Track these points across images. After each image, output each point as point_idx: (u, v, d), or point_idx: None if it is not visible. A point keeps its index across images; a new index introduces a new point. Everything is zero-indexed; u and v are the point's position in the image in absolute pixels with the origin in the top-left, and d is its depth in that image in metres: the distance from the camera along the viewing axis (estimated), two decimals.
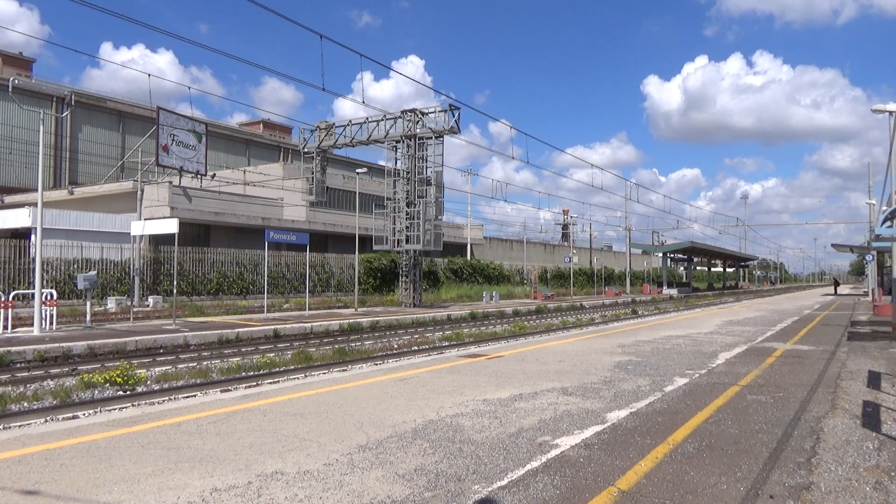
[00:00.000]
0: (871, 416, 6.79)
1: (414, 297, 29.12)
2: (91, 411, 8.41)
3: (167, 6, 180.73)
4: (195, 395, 9.37)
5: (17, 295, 19.17)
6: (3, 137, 40.60)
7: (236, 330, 17.02)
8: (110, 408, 8.59)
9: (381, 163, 40.09)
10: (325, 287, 35.42)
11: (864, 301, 40.72)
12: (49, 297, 17.25)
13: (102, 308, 23.66)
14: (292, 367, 12.20)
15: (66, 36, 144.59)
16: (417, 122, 28.06)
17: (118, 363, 11.56)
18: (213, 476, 4.52)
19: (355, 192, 31.43)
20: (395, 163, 29.24)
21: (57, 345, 13.38)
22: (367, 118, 29.71)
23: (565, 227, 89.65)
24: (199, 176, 33.63)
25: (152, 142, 31.96)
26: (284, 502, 4.06)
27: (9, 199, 37.76)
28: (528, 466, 4.83)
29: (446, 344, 16.54)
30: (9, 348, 12.62)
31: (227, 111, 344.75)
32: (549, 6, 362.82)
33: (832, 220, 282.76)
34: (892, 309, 18.44)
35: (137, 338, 14.87)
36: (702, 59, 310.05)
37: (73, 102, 39.22)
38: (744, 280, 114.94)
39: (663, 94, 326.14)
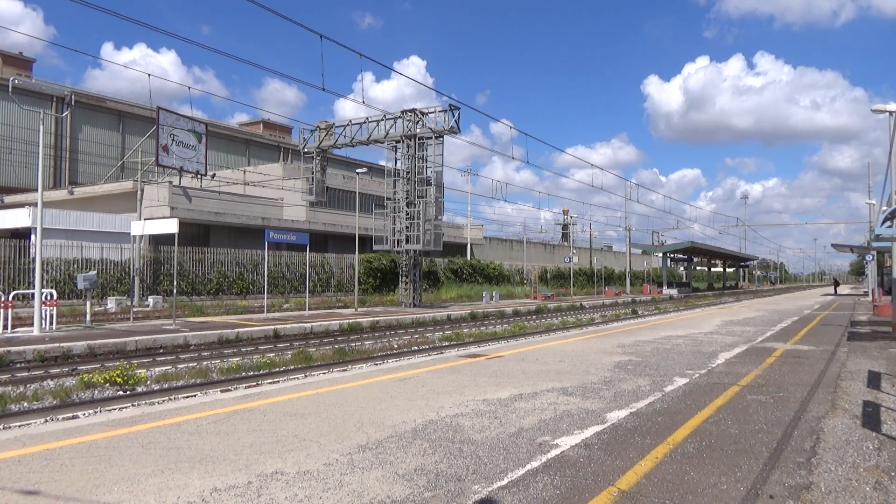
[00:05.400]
0: (871, 416, 6.79)
1: (414, 297, 29.12)
2: (91, 411, 8.41)
3: (169, 6, 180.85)
4: (195, 395, 9.37)
5: (17, 295, 19.17)
6: (3, 137, 40.60)
7: (236, 330, 17.02)
8: (110, 408, 8.59)
9: (381, 163, 40.15)
10: (325, 287, 35.42)
11: (864, 301, 40.71)
12: (49, 297, 17.24)
13: (102, 308, 23.65)
14: (292, 367, 12.20)
15: (68, 36, 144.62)
16: (417, 122, 28.06)
17: (118, 363, 11.56)
18: (213, 476, 4.52)
19: (355, 192, 31.44)
20: (395, 163, 29.24)
21: (57, 345, 13.38)
22: (367, 118, 29.71)
23: (565, 227, 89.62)
24: (199, 176, 33.64)
25: (152, 142, 31.97)
26: (284, 502, 4.06)
27: (9, 199, 37.76)
28: (528, 466, 4.83)
29: (446, 344, 16.54)
30: (9, 348, 12.62)
31: (229, 111, 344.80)
32: (550, 7, 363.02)
33: (832, 220, 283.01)
34: (892, 309, 18.44)
35: (137, 338, 14.87)
36: (703, 60, 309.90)
37: (72, 102, 39.25)
38: (744, 280, 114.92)
39: (664, 94, 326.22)
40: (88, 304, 18.26)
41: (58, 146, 43.26)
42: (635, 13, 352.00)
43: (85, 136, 45.60)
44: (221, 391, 9.49)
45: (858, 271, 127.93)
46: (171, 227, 18.86)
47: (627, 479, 4.59)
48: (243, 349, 15.27)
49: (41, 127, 16.96)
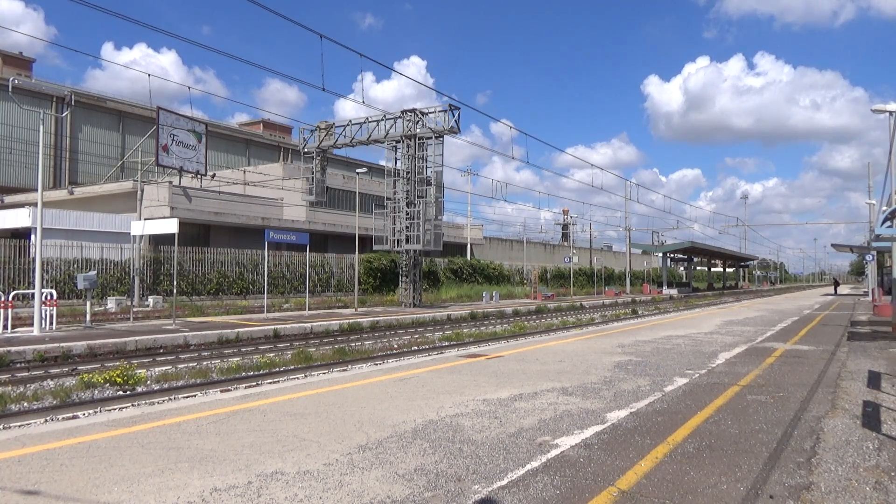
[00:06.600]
0: (871, 416, 6.79)
1: (414, 297, 29.12)
2: (91, 411, 8.41)
3: (169, 6, 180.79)
4: (195, 395, 9.37)
5: (17, 295, 19.16)
6: (3, 137, 40.60)
7: (236, 330, 17.02)
8: (110, 408, 8.59)
9: (381, 163, 40.14)
10: (325, 287, 35.42)
11: (864, 301, 40.71)
12: (49, 297, 17.24)
13: (102, 308, 23.65)
14: (292, 367, 12.20)
15: (69, 36, 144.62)
16: (417, 122, 28.06)
17: (118, 363, 11.56)
18: (213, 476, 4.53)
19: (355, 192, 31.43)
20: (395, 163, 29.24)
21: (57, 345, 13.38)
22: (367, 118, 29.71)
23: (565, 227, 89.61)
24: (199, 176, 33.62)
25: (152, 142, 31.96)
26: (284, 502, 4.06)
27: (9, 199, 37.76)
28: (528, 466, 4.83)
29: (446, 344, 16.54)
30: (9, 348, 12.62)
31: (229, 111, 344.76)
32: (550, 7, 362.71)
33: (832, 220, 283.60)
34: (892, 309, 18.44)
35: (137, 338, 14.87)
36: (703, 60, 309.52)
37: (72, 102, 39.09)
38: (744, 280, 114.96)
39: (664, 94, 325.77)
40: (88, 304, 18.26)
41: (58, 146, 43.25)
42: (635, 13, 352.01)
43: (85, 136, 45.60)
44: (221, 391, 9.49)
45: (858, 271, 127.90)
46: (171, 227, 18.86)
47: (627, 478, 4.59)
48: (243, 349, 15.27)
49: (41, 127, 16.95)
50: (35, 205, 18.68)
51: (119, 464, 4.78)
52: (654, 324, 20.44)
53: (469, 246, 52.23)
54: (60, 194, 36.17)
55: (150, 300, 25.49)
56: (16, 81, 24.70)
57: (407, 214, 28.08)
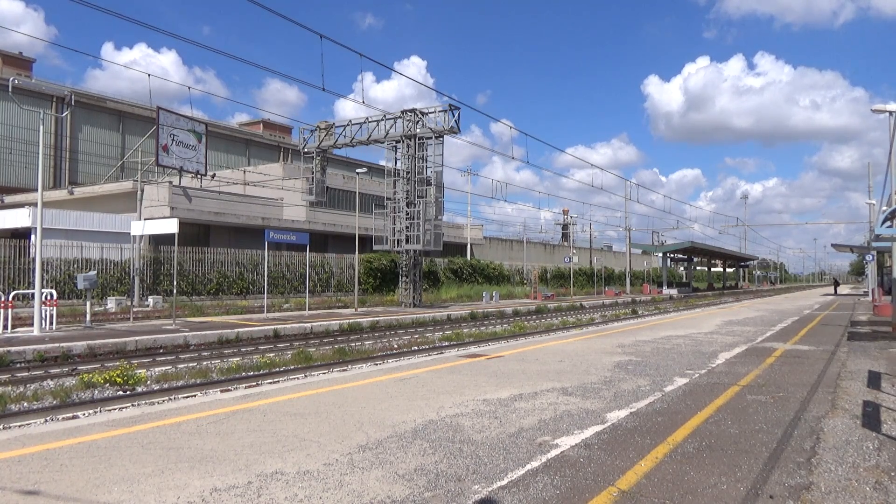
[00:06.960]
0: (871, 416, 6.79)
1: (414, 297, 29.12)
2: (91, 411, 8.41)
3: (169, 6, 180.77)
4: (195, 395, 9.37)
5: (17, 295, 19.16)
6: (3, 137, 40.60)
7: (236, 330, 17.02)
8: (110, 408, 8.59)
9: (381, 163, 40.11)
10: (325, 287, 35.41)
11: (864, 301, 40.71)
12: (49, 297, 17.24)
13: (102, 308, 23.66)
14: (292, 367, 12.20)
15: (69, 36, 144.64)
16: (417, 122, 28.06)
17: (118, 363, 11.56)
18: (213, 476, 4.53)
19: (355, 192, 31.43)
20: (395, 163, 29.24)
21: (57, 345, 13.38)
22: (367, 118, 29.71)
23: (565, 227, 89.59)
24: (199, 176, 33.64)
25: (152, 142, 31.98)
26: (284, 502, 4.06)
27: (9, 199, 37.75)
28: (528, 466, 4.83)
29: (446, 344, 16.54)
30: (9, 348, 12.62)
31: (229, 111, 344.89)
32: (550, 7, 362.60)
33: (832, 220, 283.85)
34: (892, 309, 18.45)
35: (137, 338, 14.87)
36: (703, 60, 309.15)
37: (72, 102, 39.21)
38: (744, 280, 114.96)
39: (664, 94, 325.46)
40: (88, 304, 18.26)
41: (58, 146, 43.25)
42: (635, 13, 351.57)
43: (85, 136, 45.60)
44: (221, 391, 9.49)
45: (858, 271, 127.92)
46: (171, 227, 18.86)
47: (627, 479, 4.59)
48: (243, 349, 15.27)
49: (41, 127, 16.95)
50: (35, 205, 18.68)
51: (119, 464, 4.78)
52: (654, 324, 20.45)
53: (469, 246, 52.23)
54: (60, 194, 36.17)
55: (150, 300, 25.49)
56: (16, 81, 24.74)
57: (407, 214, 28.08)
